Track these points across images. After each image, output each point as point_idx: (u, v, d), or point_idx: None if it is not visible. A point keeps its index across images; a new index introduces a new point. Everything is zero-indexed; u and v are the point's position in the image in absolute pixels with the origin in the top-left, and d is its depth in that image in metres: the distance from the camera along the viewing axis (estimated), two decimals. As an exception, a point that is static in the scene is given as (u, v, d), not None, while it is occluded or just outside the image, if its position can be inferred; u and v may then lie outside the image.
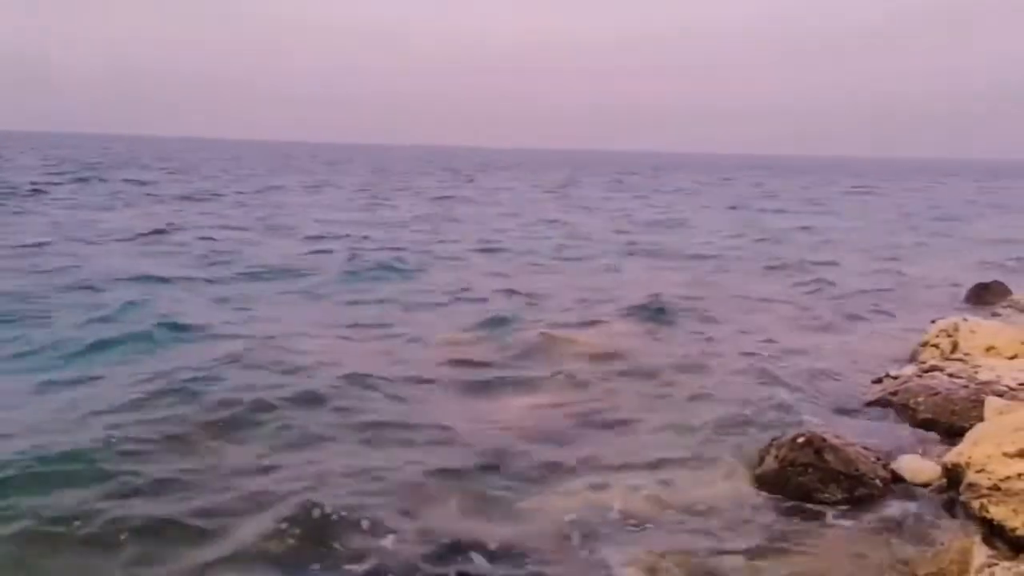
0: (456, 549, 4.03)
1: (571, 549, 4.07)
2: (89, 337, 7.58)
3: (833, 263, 14.56)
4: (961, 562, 3.72)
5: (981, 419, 5.16)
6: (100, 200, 23.53)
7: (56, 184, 28.37)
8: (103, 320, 8.36)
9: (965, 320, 7.46)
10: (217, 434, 5.35)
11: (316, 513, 4.23)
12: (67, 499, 4.30)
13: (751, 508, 4.55)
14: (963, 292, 11.15)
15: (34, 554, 3.87)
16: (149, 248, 14.28)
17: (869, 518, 4.41)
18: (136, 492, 4.45)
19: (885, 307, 10.61)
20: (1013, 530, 3.77)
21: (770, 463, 4.85)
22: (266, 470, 4.85)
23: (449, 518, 4.38)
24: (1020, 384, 5.96)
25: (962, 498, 4.06)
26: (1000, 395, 5.70)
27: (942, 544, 3.98)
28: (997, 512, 3.85)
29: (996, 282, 11.14)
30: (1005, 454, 4.13)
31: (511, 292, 10.67)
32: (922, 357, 7.15)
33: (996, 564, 3.61)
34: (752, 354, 7.73)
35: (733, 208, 29.01)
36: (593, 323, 8.97)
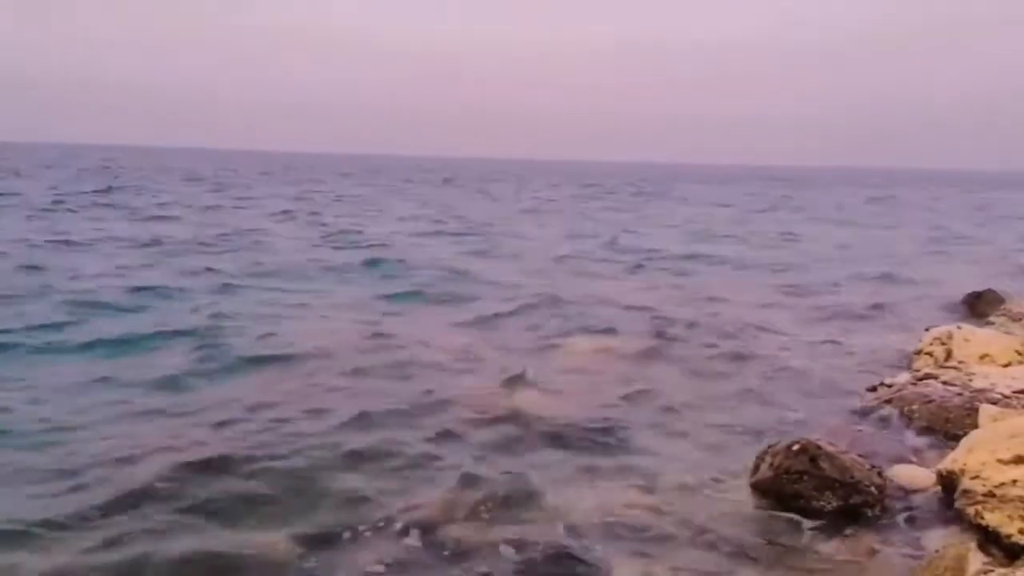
0: (450, 554, 4.02)
1: (565, 556, 4.05)
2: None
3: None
4: (956, 569, 3.71)
5: (975, 426, 5.16)
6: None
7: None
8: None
9: (959, 328, 7.48)
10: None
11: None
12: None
13: (745, 516, 4.55)
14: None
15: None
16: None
17: (864, 526, 4.41)
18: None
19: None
20: (1008, 536, 3.76)
21: (765, 471, 4.84)
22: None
23: (443, 522, 4.36)
24: (1014, 392, 5.97)
25: (957, 505, 4.05)
26: (994, 403, 5.71)
27: (937, 551, 3.97)
28: (992, 518, 3.84)
29: (990, 290, 11.17)
30: (1000, 461, 4.12)
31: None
32: (916, 365, 7.16)
33: (991, 571, 3.59)
34: (746, 361, 7.74)
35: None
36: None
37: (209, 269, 12.71)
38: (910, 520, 4.48)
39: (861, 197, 48.42)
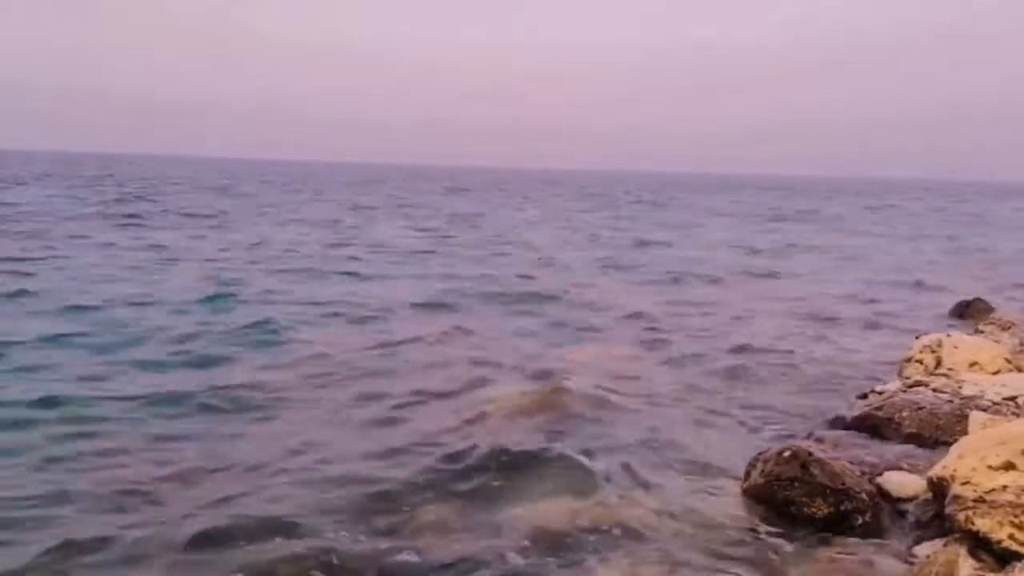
0: (444, 556, 4.01)
1: (555, 558, 4.04)
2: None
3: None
4: (947, 574, 3.71)
5: (966, 433, 5.16)
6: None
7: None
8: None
9: (949, 336, 7.50)
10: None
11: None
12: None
13: (737, 522, 4.55)
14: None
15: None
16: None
17: (855, 532, 4.42)
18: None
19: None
20: (999, 542, 3.76)
21: (756, 477, 4.84)
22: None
23: (438, 524, 4.35)
24: (1004, 399, 6.00)
25: (947, 511, 4.05)
26: (984, 409, 5.72)
27: (928, 557, 3.98)
28: (982, 524, 3.83)
29: (979, 300, 11.26)
30: (990, 467, 4.12)
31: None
32: (907, 372, 7.18)
33: (982, 576, 3.60)
34: (738, 368, 7.75)
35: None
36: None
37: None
38: (901, 526, 4.50)
39: (859, 206, 48.83)
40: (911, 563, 4.06)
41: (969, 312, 10.87)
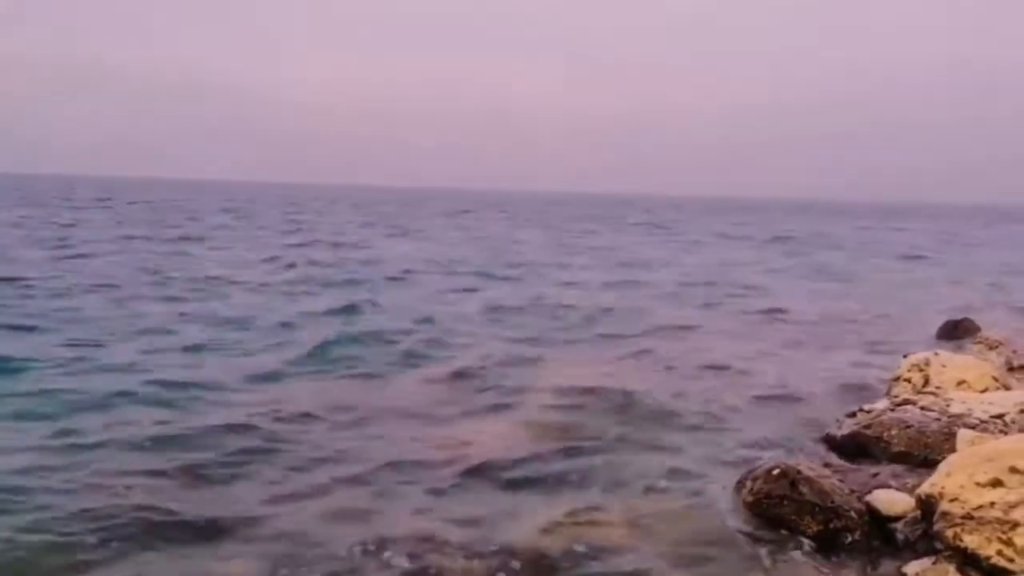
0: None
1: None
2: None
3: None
4: (936, 592, 3.71)
5: (954, 451, 5.17)
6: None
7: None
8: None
9: (936, 355, 7.54)
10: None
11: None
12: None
13: (725, 541, 4.52)
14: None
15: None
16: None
17: (844, 550, 4.41)
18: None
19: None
20: (987, 558, 3.77)
21: (745, 495, 4.84)
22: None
23: (417, 543, 4.32)
24: (991, 417, 6.02)
25: (936, 527, 4.06)
26: (972, 427, 5.74)
27: (917, 574, 3.98)
28: (971, 540, 3.84)
29: (967, 319, 11.32)
30: (978, 484, 4.13)
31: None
32: (895, 391, 7.20)
33: (971, 593, 3.60)
34: (728, 386, 7.77)
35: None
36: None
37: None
38: (890, 544, 4.48)
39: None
40: (900, 581, 4.05)
41: (957, 331, 10.93)
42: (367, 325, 10.60)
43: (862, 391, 7.75)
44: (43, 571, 3.96)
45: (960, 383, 7.02)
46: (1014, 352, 9.35)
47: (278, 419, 6.33)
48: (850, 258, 25.81)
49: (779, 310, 13.44)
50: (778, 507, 4.66)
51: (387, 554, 4.21)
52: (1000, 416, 6.01)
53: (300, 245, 23.97)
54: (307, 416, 6.47)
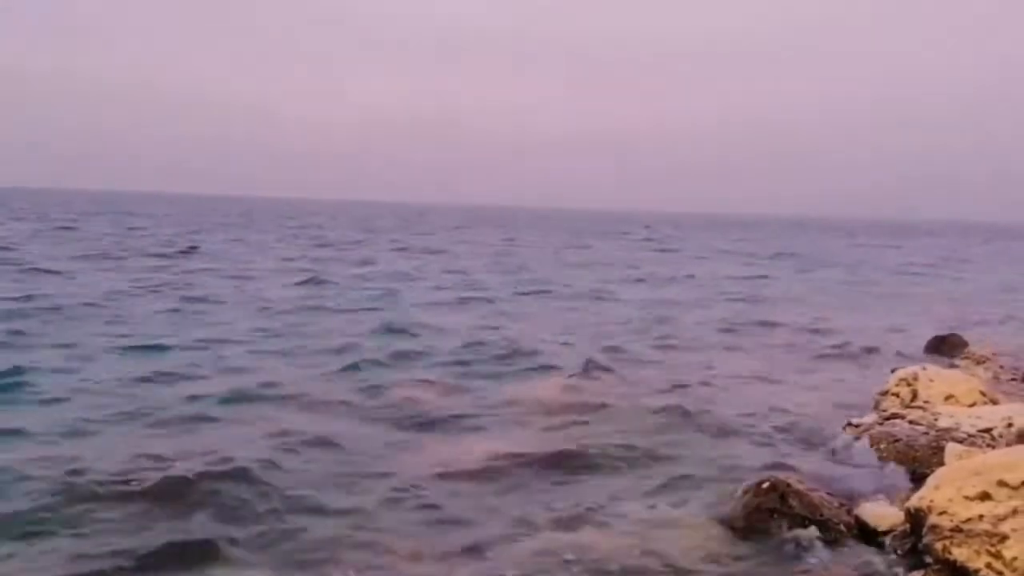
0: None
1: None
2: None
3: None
4: (925, 605, 3.72)
5: (942, 464, 5.20)
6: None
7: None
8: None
9: (924, 369, 7.58)
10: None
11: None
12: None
13: (716, 554, 4.52)
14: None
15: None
16: None
17: (833, 563, 4.41)
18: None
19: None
20: (976, 571, 3.78)
21: (735, 508, 4.84)
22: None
23: (403, 561, 4.29)
24: (979, 431, 6.05)
25: (925, 540, 4.07)
26: (960, 441, 5.77)
27: (906, 587, 3.98)
28: (960, 553, 3.86)
29: (954, 335, 11.36)
30: (966, 497, 4.16)
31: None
32: (883, 405, 7.23)
33: (960, 607, 3.61)
34: (716, 401, 7.78)
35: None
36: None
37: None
38: (879, 558, 4.48)
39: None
40: (890, 594, 4.05)
41: (944, 347, 10.97)
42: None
43: (851, 405, 7.76)
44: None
45: (948, 397, 7.06)
46: (1001, 367, 9.41)
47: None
48: (847, 273, 25.99)
49: (773, 323, 13.52)
50: (768, 520, 4.66)
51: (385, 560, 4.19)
52: (988, 430, 6.05)
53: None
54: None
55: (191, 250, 24.84)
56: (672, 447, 6.33)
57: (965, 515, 4.01)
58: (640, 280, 21.60)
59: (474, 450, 6.13)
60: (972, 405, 6.90)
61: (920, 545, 4.23)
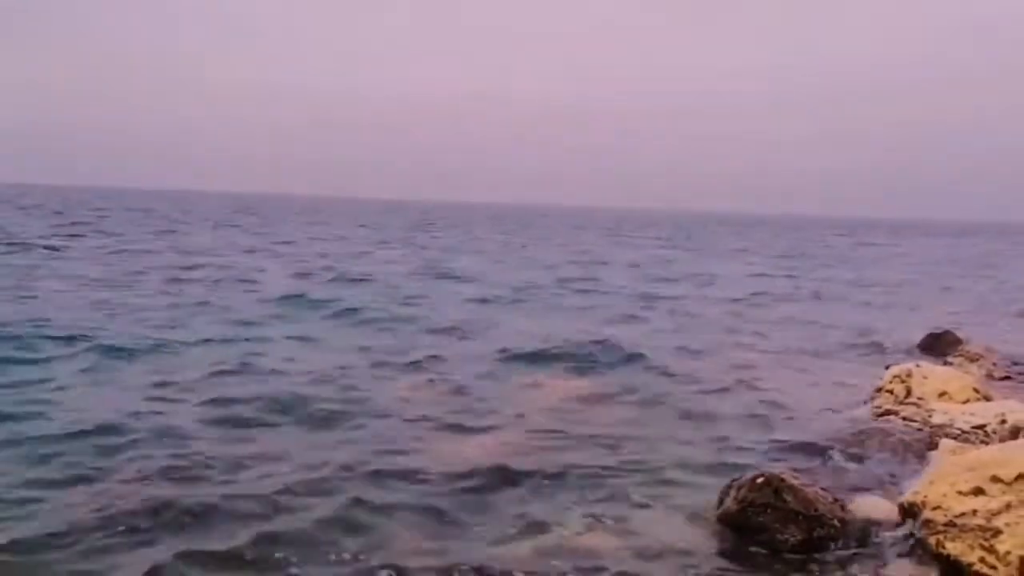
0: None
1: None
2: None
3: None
4: (919, 599, 3.73)
5: (936, 461, 5.22)
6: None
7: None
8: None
9: (918, 366, 7.61)
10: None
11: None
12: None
13: (710, 549, 4.52)
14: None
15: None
16: None
17: (827, 559, 4.41)
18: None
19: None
20: (969, 565, 3.79)
21: (729, 504, 4.83)
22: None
23: (396, 554, 4.29)
24: (972, 427, 6.09)
25: (919, 535, 4.09)
26: (953, 438, 5.81)
27: (900, 582, 3.99)
28: (953, 548, 3.87)
29: (948, 332, 11.39)
30: (960, 492, 4.17)
31: None
32: (877, 402, 7.26)
33: (953, 601, 3.62)
34: (713, 394, 7.80)
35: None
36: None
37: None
38: (873, 552, 4.48)
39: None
40: (884, 588, 4.06)
41: (938, 344, 11.00)
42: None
43: (845, 402, 7.78)
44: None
45: (942, 394, 7.10)
46: (995, 364, 9.45)
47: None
48: (828, 267, 26.07)
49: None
50: (762, 515, 4.64)
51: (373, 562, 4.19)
52: (982, 427, 6.08)
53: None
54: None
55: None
56: (665, 442, 6.34)
57: (959, 510, 4.02)
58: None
59: (478, 444, 6.15)
60: (966, 402, 6.93)
61: (914, 540, 4.24)
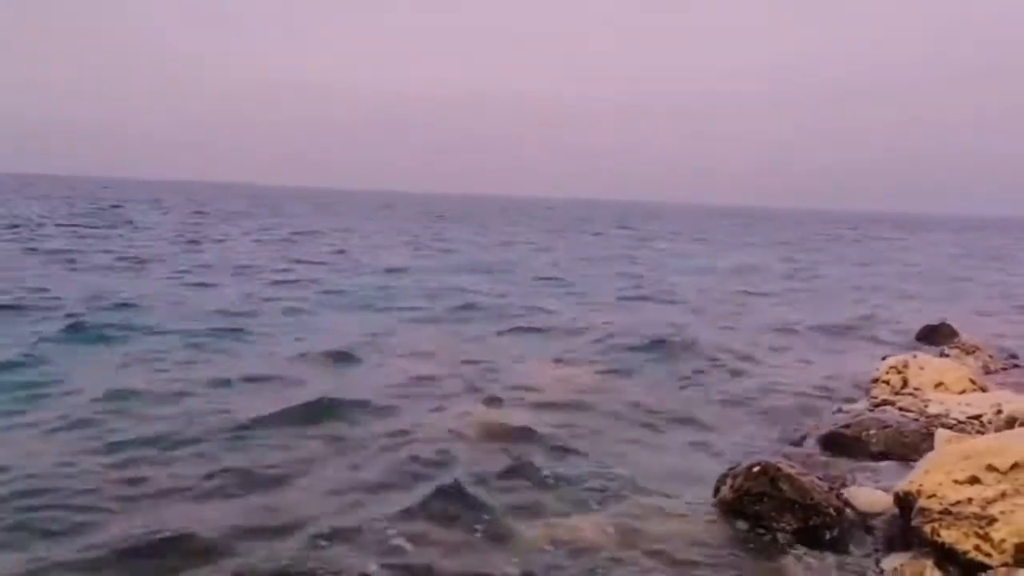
0: None
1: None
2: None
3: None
4: (914, 586, 3.73)
5: (931, 450, 5.22)
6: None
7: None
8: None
9: (914, 357, 7.62)
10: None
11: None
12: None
13: (706, 538, 4.53)
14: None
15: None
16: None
17: (823, 547, 4.42)
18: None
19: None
20: (964, 553, 3.79)
21: (726, 492, 4.85)
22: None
23: (403, 546, 4.29)
24: (968, 417, 6.09)
25: (914, 523, 4.08)
26: (949, 428, 5.80)
27: (895, 569, 4.00)
28: (948, 535, 3.87)
29: (944, 324, 11.41)
30: (955, 481, 4.16)
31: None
32: (874, 392, 7.27)
33: (948, 588, 3.63)
34: (711, 385, 7.81)
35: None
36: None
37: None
38: (869, 541, 4.51)
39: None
40: (879, 576, 4.07)
41: (935, 336, 11.03)
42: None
43: (842, 392, 7.80)
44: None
45: (938, 385, 7.11)
46: (990, 357, 9.46)
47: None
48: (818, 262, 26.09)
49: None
50: (758, 504, 4.66)
51: (354, 550, 4.19)
52: (977, 417, 6.08)
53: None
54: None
55: None
56: (662, 431, 6.35)
57: (954, 498, 4.02)
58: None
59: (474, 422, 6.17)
60: (962, 392, 6.94)
61: (909, 528, 4.24)
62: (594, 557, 4.23)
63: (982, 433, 5.64)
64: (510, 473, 5.43)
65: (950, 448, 4.81)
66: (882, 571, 4.13)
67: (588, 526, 4.59)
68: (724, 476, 4.99)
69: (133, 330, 9.43)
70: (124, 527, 4.34)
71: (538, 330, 10.88)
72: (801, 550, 4.38)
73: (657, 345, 9.83)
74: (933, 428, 5.78)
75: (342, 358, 8.46)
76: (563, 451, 5.89)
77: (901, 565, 4.02)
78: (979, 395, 6.82)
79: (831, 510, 4.68)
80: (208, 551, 4.09)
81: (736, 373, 8.63)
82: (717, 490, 4.95)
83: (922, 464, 4.65)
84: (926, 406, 6.38)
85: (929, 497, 4.11)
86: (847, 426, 6.24)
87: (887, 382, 7.36)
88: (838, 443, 6.05)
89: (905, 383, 7.24)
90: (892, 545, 4.38)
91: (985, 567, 3.74)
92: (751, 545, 4.44)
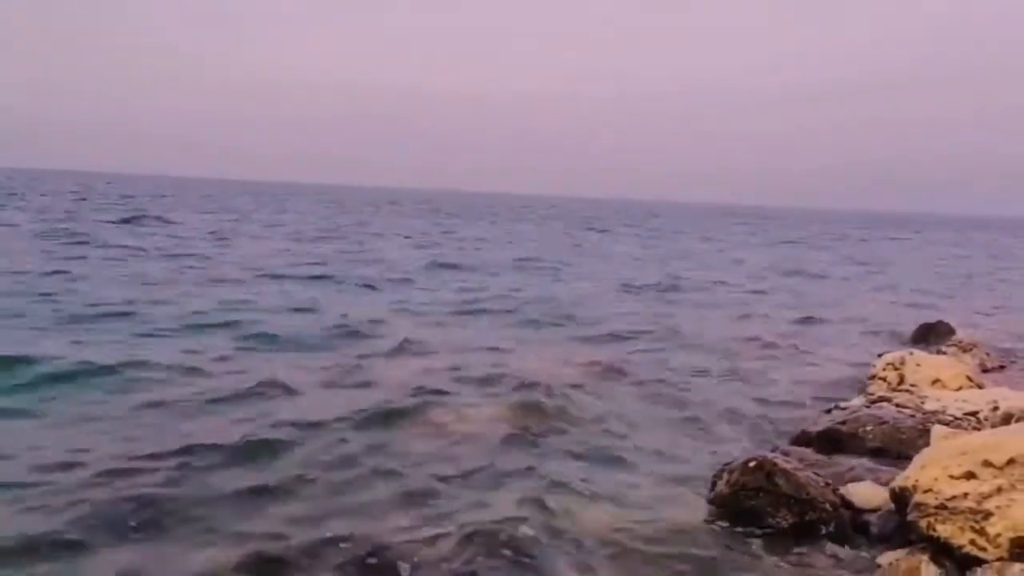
0: (400, 565, 3.94)
1: (511, 569, 3.99)
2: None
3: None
4: (910, 581, 3.73)
5: (928, 446, 5.21)
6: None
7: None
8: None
9: (911, 354, 7.62)
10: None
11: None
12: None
13: (702, 532, 4.52)
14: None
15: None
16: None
17: (819, 542, 4.42)
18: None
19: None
20: (960, 547, 3.79)
21: (722, 487, 4.84)
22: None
23: (395, 530, 4.28)
24: (965, 414, 6.08)
25: (910, 518, 4.07)
26: (946, 424, 5.78)
27: (891, 564, 3.99)
28: (944, 530, 3.86)
29: (941, 322, 11.41)
30: (951, 476, 4.15)
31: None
32: (870, 389, 7.27)
33: (944, 582, 3.62)
34: (708, 379, 7.80)
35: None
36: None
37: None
38: (864, 536, 4.51)
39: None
40: (874, 571, 4.06)
41: (932, 334, 11.03)
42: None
43: (839, 389, 7.80)
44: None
45: (934, 382, 7.10)
46: (987, 354, 9.47)
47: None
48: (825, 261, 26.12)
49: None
50: (754, 499, 4.65)
51: (345, 544, 4.18)
52: (974, 413, 6.08)
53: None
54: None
55: None
56: (658, 426, 6.34)
57: (950, 493, 4.01)
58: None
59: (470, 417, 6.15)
60: (959, 389, 6.93)
61: (905, 523, 4.23)
62: (583, 550, 4.22)
63: (978, 430, 5.64)
64: (506, 457, 5.43)
65: (946, 444, 4.81)
66: (878, 566, 4.12)
67: (578, 519, 4.57)
68: (720, 471, 4.99)
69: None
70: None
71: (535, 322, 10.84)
72: (796, 545, 4.38)
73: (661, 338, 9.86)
74: (929, 424, 5.76)
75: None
76: (552, 438, 5.87)
77: (897, 560, 4.01)
78: (976, 392, 6.81)
79: (827, 505, 4.67)
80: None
81: (733, 369, 8.62)
82: (713, 485, 4.94)
83: (918, 459, 4.63)
84: (923, 403, 6.38)
85: (925, 492, 4.11)
86: (843, 422, 6.23)
87: (884, 379, 7.36)
88: (834, 439, 6.03)
89: (902, 380, 7.24)
90: (888, 540, 4.38)
91: (981, 561, 3.74)
92: (747, 540, 4.43)
